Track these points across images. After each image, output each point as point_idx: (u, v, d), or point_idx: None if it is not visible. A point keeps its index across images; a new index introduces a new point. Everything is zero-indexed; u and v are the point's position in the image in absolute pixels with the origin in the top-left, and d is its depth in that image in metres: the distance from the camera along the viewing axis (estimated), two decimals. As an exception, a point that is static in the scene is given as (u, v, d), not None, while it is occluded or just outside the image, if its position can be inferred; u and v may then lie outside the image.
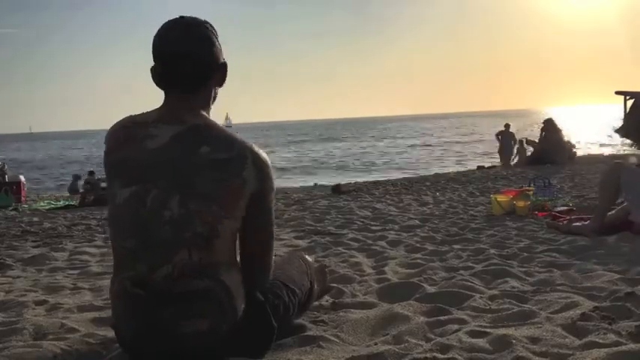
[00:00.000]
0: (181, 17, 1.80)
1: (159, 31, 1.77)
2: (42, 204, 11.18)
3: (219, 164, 1.68)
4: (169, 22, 1.78)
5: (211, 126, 1.75)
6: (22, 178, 13.22)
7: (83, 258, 4.08)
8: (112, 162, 1.77)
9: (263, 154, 1.77)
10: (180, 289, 1.65)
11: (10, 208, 9.91)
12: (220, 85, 1.87)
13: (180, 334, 1.66)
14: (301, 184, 15.14)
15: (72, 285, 3.14)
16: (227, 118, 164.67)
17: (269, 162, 1.78)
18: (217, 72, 1.82)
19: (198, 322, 1.67)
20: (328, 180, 16.07)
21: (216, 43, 1.80)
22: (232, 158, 1.69)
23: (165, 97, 1.80)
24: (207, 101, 1.83)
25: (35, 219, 7.40)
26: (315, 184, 13.82)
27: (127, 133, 1.76)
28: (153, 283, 1.66)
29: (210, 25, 1.82)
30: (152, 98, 1.98)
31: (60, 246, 4.69)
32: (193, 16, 1.81)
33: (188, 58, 1.74)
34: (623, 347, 1.68)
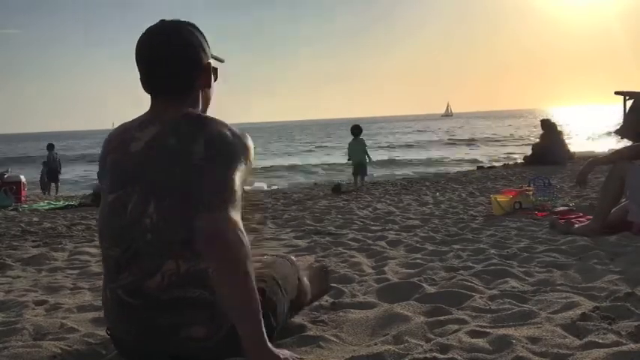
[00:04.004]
0: (162, 21, 1.77)
1: (140, 36, 1.74)
2: (42, 204, 11.15)
3: (183, 157, 1.61)
4: (150, 27, 1.76)
5: (188, 116, 1.67)
6: (22, 178, 13.18)
7: (83, 258, 4.08)
8: (103, 168, 1.77)
9: (226, 132, 1.65)
10: (171, 298, 1.63)
11: (10, 208, 9.90)
12: (208, 86, 1.82)
13: (177, 341, 1.65)
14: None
15: (72, 285, 3.14)
16: (448, 107, 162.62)
17: (232, 140, 1.64)
18: (201, 73, 1.78)
19: (194, 328, 1.65)
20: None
21: (199, 44, 1.76)
22: (193, 148, 1.60)
23: (152, 101, 1.78)
24: (194, 104, 1.78)
25: (35, 219, 7.39)
26: (315, 184, 13.80)
27: (118, 139, 1.76)
28: (144, 293, 1.63)
29: (193, 27, 1.78)
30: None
31: (60, 246, 4.70)
32: (177, 18, 1.78)
33: (168, 62, 1.71)
34: (623, 347, 1.68)
